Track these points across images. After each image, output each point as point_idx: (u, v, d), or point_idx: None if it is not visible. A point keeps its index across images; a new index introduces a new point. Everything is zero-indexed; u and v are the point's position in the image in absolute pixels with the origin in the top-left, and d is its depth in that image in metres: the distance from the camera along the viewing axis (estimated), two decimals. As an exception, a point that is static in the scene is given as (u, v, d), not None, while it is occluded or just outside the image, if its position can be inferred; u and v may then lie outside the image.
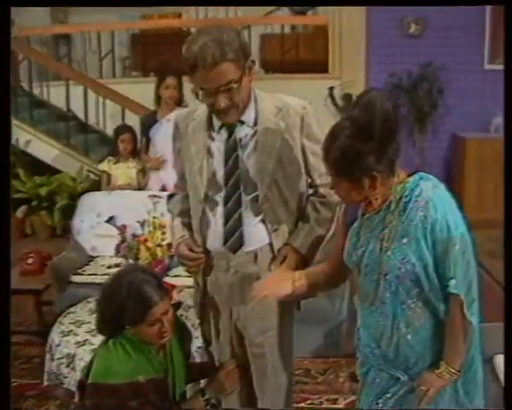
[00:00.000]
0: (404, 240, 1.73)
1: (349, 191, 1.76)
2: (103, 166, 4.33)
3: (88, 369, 2.15)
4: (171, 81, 4.14)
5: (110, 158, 4.28)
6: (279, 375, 2.18)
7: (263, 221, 2.05)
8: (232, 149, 2.04)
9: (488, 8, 6.37)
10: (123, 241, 3.03)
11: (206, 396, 2.17)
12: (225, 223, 2.05)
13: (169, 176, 4.21)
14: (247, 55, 1.94)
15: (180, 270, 3.40)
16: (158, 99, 4.22)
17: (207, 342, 2.29)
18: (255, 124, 2.05)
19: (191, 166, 2.10)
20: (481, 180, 6.34)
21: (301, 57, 6.75)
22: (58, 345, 2.76)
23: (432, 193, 1.74)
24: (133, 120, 4.96)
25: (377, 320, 1.83)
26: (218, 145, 2.06)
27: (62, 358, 2.71)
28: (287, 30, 7.18)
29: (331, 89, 6.38)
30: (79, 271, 3.65)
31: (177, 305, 2.95)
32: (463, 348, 1.78)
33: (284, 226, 2.09)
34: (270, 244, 2.07)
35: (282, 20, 7.13)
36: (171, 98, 4.17)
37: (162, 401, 2.07)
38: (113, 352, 2.03)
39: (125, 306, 1.98)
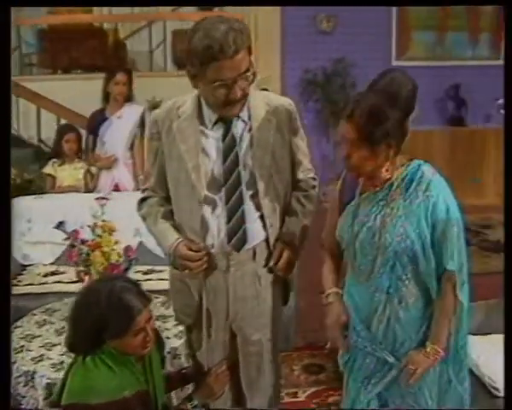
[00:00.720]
0: (406, 218, 1.84)
1: (364, 160, 1.84)
2: (48, 169, 4.10)
3: (61, 389, 2.04)
4: (121, 77, 4.04)
5: (54, 160, 4.06)
6: (272, 371, 2.21)
7: (261, 217, 2.05)
8: (231, 145, 2.02)
9: (394, 8, 6.68)
10: (72, 247, 2.88)
11: (195, 403, 2.13)
12: (228, 221, 2.02)
13: (122, 175, 4.10)
14: (251, 41, 1.93)
15: (137, 275, 3.31)
16: (106, 96, 4.09)
17: (193, 348, 2.24)
18: (249, 119, 2.04)
19: (182, 166, 2.03)
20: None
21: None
22: (13, 362, 2.57)
23: (432, 177, 1.88)
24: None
25: (372, 296, 1.92)
26: (213, 142, 2.03)
27: (19, 376, 2.53)
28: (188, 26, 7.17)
29: (248, 85, 6.44)
30: (14, 281, 3.44)
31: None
32: (451, 329, 1.90)
33: (277, 221, 2.10)
34: (266, 240, 2.08)
35: (191, 16, 7.06)
36: (121, 95, 4.05)
37: None
38: (93, 369, 1.91)
39: (105, 318, 1.88)
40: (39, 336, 2.79)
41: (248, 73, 1.91)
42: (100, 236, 2.90)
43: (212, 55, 1.83)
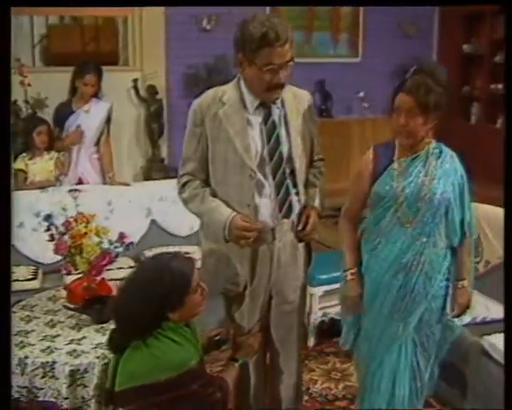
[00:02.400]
0: (443, 177, 2.33)
1: (419, 126, 2.27)
2: (18, 164, 3.91)
3: (113, 377, 2.10)
4: (90, 79, 4.12)
5: (24, 154, 3.82)
6: (300, 327, 2.52)
7: (297, 193, 2.29)
8: (272, 127, 2.27)
9: (268, 8, 7.12)
10: (60, 238, 2.83)
11: (240, 361, 2.30)
12: (277, 194, 2.25)
13: (85, 169, 4.02)
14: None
15: (123, 262, 3.34)
16: (74, 89, 4.12)
17: (231, 313, 2.41)
18: (282, 106, 2.28)
19: (230, 147, 2.23)
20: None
21: (89, 50, 6.69)
22: (26, 357, 2.51)
23: (450, 151, 2.39)
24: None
25: (415, 240, 2.35)
26: (256, 125, 2.26)
27: (36, 369, 2.48)
28: (67, 20, 7.00)
29: (135, 81, 6.46)
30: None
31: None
32: (470, 269, 2.45)
33: (303, 196, 2.36)
34: (300, 213, 2.33)
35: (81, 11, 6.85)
36: (89, 94, 4.15)
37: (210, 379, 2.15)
38: (159, 347, 2.02)
39: (166, 292, 2.02)
40: (33, 330, 2.74)
41: (291, 63, 2.18)
42: (86, 226, 2.91)
43: (268, 41, 2.10)
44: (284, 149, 2.30)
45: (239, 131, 2.24)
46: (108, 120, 4.29)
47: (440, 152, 2.39)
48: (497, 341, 2.81)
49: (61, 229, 2.84)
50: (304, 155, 2.36)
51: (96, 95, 4.25)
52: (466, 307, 2.53)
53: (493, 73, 7.62)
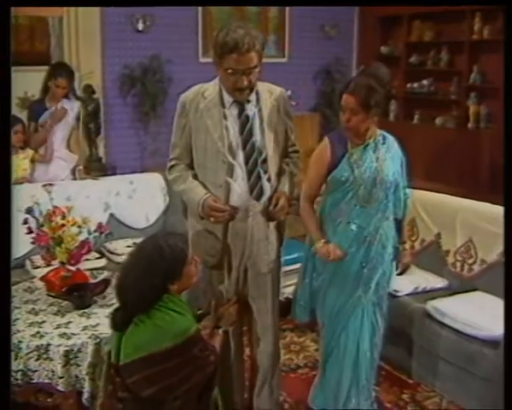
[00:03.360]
0: (391, 161, 2.71)
1: (360, 122, 2.61)
2: None
3: (117, 351, 2.27)
4: (62, 82, 4.33)
5: None
6: (274, 295, 2.82)
7: (268, 179, 2.60)
8: (245, 121, 2.58)
9: (200, 9, 7.37)
10: (41, 228, 2.96)
11: (223, 328, 2.55)
12: (249, 179, 2.58)
13: (58, 166, 4.11)
14: (264, 48, 2.46)
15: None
16: (46, 88, 4.29)
17: (213, 285, 2.69)
18: (257, 102, 2.57)
19: (209, 137, 2.53)
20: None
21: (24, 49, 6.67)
22: (20, 341, 2.65)
23: (391, 137, 2.79)
24: None
25: (373, 217, 2.72)
26: (231, 119, 2.57)
27: (30, 352, 2.63)
28: None
29: (72, 81, 6.52)
30: None
31: (107, 281, 3.13)
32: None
33: (275, 182, 2.66)
34: (270, 197, 2.66)
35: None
36: (60, 95, 4.36)
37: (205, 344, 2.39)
38: (162, 317, 2.20)
39: (167, 266, 2.23)
40: (17, 319, 2.88)
41: (256, 69, 2.50)
42: (63, 217, 3.07)
43: (229, 49, 2.41)
44: (257, 140, 2.60)
45: (216, 122, 2.55)
46: (78, 119, 4.48)
47: (384, 138, 2.76)
48: (437, 304, 3.23)
49: (42, 221, 2.97)
50: (277, 145, 2.65)
51: (67, 96, 4.45)
52: (408, 266, 2.92)
53: (409, 73, 8.23)
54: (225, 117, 2.56)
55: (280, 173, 2.72)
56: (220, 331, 2.52)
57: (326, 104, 8.58)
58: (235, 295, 2.69)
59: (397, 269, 2.91)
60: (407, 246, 2.91)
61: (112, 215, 4.21)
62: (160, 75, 7.07)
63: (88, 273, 3.21)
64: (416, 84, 8.10)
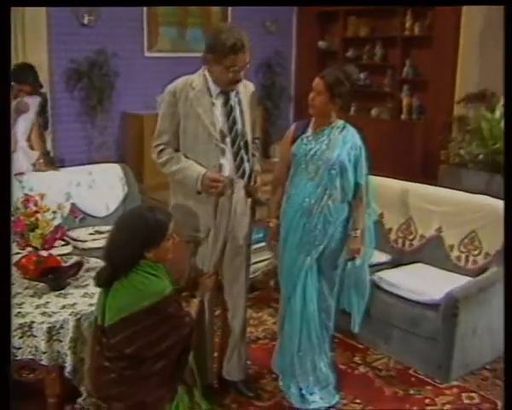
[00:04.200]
0: (341, 146, 3.00)
1: (324, 104, 2.96)
2: None
3: (103, 313, 2.51)
4: (25, 87, 4.60)
5: None
6: (247, 267, 3.14)
7: (248, 160, 2.89)
8: (229, 110, 2.88)
9: (144, 9, 7.51)
10: (21, 218, 3.10)
11: (198, 298, 2.81)
12: (235, 160, 2.88)
13: (20, 160, 4.20)
14: None
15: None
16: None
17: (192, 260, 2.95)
18: (237, 94, 2.90)
19: (199, 123, 2.81)
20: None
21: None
22: (4, 320, 2.81)
23: (352, 128, 3.08)
24: None
25: (316, 190, 3.02)
26: (218, 107, 2.85)
27: (15, 330, 2.79)
28: None
29: (18, 74, 6.54)
30: None
31: (80, 264, 3.32)
32: (363, 223, 3.06)
33: (251, 163, 2.98)
34: (250, 175, 2.96)
35: None
36: (24, 95, 4.59)
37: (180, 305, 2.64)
38: (140, 280, 2.45)
39: (149, 234, 2.48)
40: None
41: (248, 65, 2.80)
42: (36, 204, 3.23)
43: (235, 49, 2.71)
44: (239, 126, 2.90)
45: (206, 110, 2.81)
46: (39, 114, 4.58)
47: (343, 128, 3.07)
48: (383, 275, 3.60)
49: (17, 208, 3.12)
50: (250, 132, 2.98)
51: (31, 93, 4.61)
52: (355, 252, 3.15)
53: (346, 66, 8.65)
54: (214, 105, 2.84)
55: (253, 155, 3.03)
56: (196, 301, 2.77)
57: (267, 97, 8.90)
58: (213, 268, 2.94)
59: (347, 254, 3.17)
60: (359, 233, 3.10)
61: (74, 205, 4.35)
62: (106, 69, 7.17)
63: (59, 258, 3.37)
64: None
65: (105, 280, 2.52)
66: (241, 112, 2.92)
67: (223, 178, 2.84)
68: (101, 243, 4.06)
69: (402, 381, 3.35)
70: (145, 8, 7.53)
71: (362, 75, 8.43)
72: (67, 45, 6.94)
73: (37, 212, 3.21)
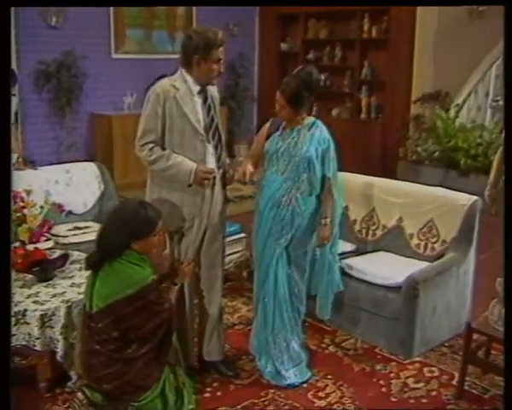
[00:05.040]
0: (309, 142, 3.25)
1: (287, 114, 3.22)
2: None
3: (90, 300, 2.72)
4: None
5: None
6: (222, 254, 3.38)
7: (223, 152, 3.19)
8: (208, 107, 3.14)
9: (112, 8, 7.65)
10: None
11: (177, 284, 3.00)
12: (215, 152, 3.14)
13: None
14: None
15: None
16: None
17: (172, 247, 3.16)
18: (211, 94, 3.17)
19: (186, 120, 3.03)
20: (125, 149, 7.67)
21: None
22: (-2, 309, 2.97)
23: (321, 125, 3.33)
24: None
25: (284, 183, 3.27)
26: (199, 105, 3.10)
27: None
28: None
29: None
30: None
31: (66, 256, 3.50)
32: (332, 213, 3.33)
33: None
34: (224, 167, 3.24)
35: None
36: None
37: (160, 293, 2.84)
38: (125, 269, 2.65)
39: (137, 227, 2.68)
40: None
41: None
42: (22, 200, 3.40)
43: (219, 44, 3.01)
44: (215, 122, 3.15)
45: (191, 109, 3.04)
46: (16, 113, 4.68)
47: (313, 125, 3.31)
48: (349, 261, 3.88)
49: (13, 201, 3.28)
50: (222, 127, 3.22)
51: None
52: (325, 240, 3.40)
53: (307, 67, 8.96)
54: (196, 104, 3.08)
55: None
56: (175, 287, 2.98)
57: (231, 97, 9.15)
58: (194, 255, 3.17)
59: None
60: (328, 221, 3.32)
61: (53, 203, 4.49)
62: (74, 70, 7.28)
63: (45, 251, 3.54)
64: (313, 79, 8.83)
65: (93, 264, 2.71)
66: (215, 109, 3.18)
67: (213, 170, 3.09)
68: (80, 237, 4.28)
69: (369, 358, 3.63)
70: (112, 10, 7.69)
71: (322, 76, 8.76)
72: (35, 47, 7.04)
73: (23, 207, 3.38)
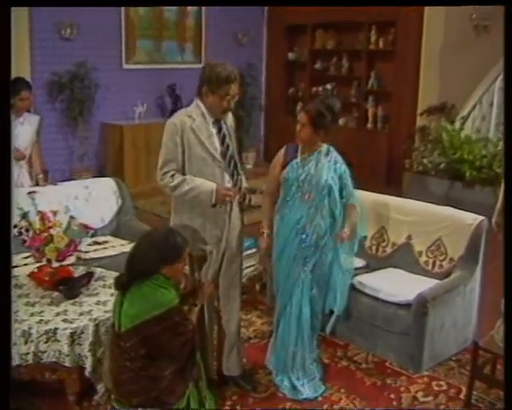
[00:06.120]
0: (327, 170, 3.43)
1: (309, 135, 3.37)
2: None
3: (119, 320, 2.87)
4: (26, 94, 4.68)
5: None
6: (240, 275, 3.55)
7: (240, 179, 3.33)
8: (223, 136, 3.30)
9: (123, 19, 7.80)
10: (38, 233, 3.41)
11: (198, 305, 3.13)
12: (232, 178, 3.32)
13: (21, 172, 4.45)
14: None
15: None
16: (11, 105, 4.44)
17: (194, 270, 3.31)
18: (225, 122, 3.30)
19: (204, 148, 3.21)
20: (136, 158, 7.83)
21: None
22: (30, 328, 3.13)
23: (336, 152, 3.50)
24: None
25: (309, 210, 3.45)
26: (214, 134, 3.26)
27: (40, 336, 3.12)
28: None
29: None
30: None
31: (91, 274, 3.65)
32: (353, 224, 3.51)
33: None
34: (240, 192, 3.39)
35: None
36: (25, 108, 4.71)
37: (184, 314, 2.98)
38: (152, 292, 2.79)
39: (166, 252, 2.83)
40: (18, 311, 3.31)
41: (237, 96, 3.23)
42: (49, 220, 3.55)
43: (229, 81, 3.13)
44: (230, 149, 3.31)
45: (207, 137, 3.21)
46: (39, 131, 4.84)
47: (328, 151, 3.49)
48: (361, 279, 4.03)
49: (36, 224, 3.44)
50: (237, 155, 3.39)
51: (29, 109, 4.84)
52: (344, 239, 3.43)
53: (314, 77, 9.13)
54: (212, 133, 3.25)
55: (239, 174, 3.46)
56: (196, 308, 3.12)
57: (239, 106, 9.27)
58: (212, 277, 3.32)
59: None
60: (347, 230, 3.44)
61: (72, 217, 4.64)
62: (87, 82, 7.46)
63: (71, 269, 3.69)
64: (320, 88, 9.00)
65: (122, 285, 2.86)
66: (230, 137, 3.33)
67: (233, 189, 3.28)
68: (101, 252, 4.44)
69: (379, 372, 3.79)
70: (123, 22, 7.85)
71: (329, 86, 8.92)
72: (49, 59, 7.21)
73: (50, 227, 3.53)
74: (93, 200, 4.85)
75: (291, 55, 9.34)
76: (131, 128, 7.82)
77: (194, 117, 3.22)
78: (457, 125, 7.34)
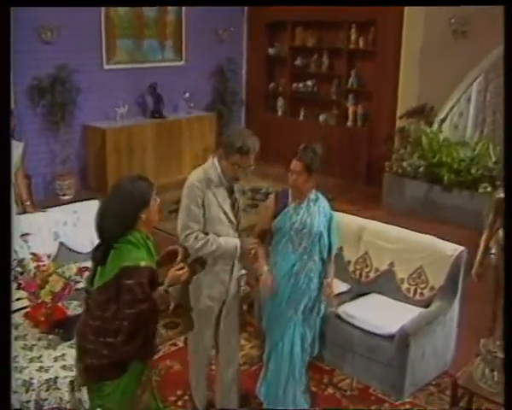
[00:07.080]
0: (318, 217, 3.57)
1: (303, 182, 3.48)
2: None
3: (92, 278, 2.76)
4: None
5: None
6: (240, 316, 3.80)
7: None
8: (234, 199, 3.46)
9: (103, 19, 7.73)
10: (33, 277, 3.50)
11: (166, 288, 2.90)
12: (239, 236, 3.46)
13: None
14: None
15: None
16: None
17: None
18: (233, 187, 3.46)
19: (220, 209, 3.35)
20: (118, 160, 7.84)
21: None
22: (31, 378, 3.24)
23: (323, 198, 3.66)
24: None
25: (301, 257, 3.58)
26: (227, 196, 3.41)
27: (41, 385, 3.24)
28: None
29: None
30: None
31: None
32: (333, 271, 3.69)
33: None
34: None
35: None
36: None
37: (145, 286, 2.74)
38: (123, 247, 2.64)
39: (138, 198, 2.69)
40: (17, 356, 3.42)
41: (251, 167, 3.34)
42: (43, 264, 3.63)
43: (241, 151, 3.25)
44: (240, 214, 3.50)
45: (223, 199, 3.36)
46: (23, 157, 4.78)
47: (317, 199, 3.61)
48: (346, 308, 4.20)
49: (33, 270, 3.52)
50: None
51: (13, 134, 4.73)
52: (329, 296, 3.71)
53: (294, 74, 9.18)
54: (225, 196, 3.39)
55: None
56: (161, 289, 2.80)
57: (220, 101, 9.34)
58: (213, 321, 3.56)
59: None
60: (330, 280, 3.66)
61: (61, 243, 4.72)
62: (68, 85, 7.41)
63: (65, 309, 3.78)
64: (301, 85, 9.06)
65: (101, 257, 2.72)
66: (239, 203, 3.50)
67: (255, 241, 3.51)
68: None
69: (364, 399, 3.99)
70: (103, 22, 7.78)
71: (310, 83, 8.99)
72: (30, 62, 7.12)
73: (44, 271, 3.61)
74: (81, 224, 4.89)
75: (271, 51, 9.36)
76: (113, 130, 7.82)
77: (212, 178, 3.33)
78: (435, 126, 7.50)
